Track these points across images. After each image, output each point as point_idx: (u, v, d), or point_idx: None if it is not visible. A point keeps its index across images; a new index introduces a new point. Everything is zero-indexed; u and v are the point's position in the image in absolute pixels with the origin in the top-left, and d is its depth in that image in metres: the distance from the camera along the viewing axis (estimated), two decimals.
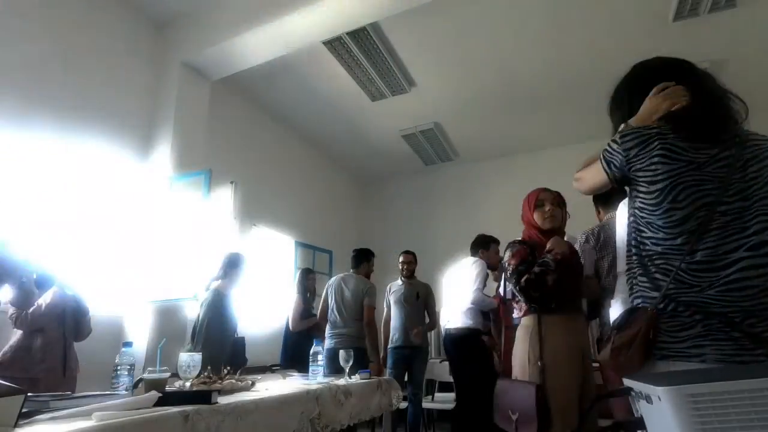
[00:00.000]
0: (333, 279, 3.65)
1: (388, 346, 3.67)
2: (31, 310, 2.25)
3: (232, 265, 3.01)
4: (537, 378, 1.66)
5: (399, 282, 3.81)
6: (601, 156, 1.16)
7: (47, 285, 2.36)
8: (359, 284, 3.47)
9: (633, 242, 1.10)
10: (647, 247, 1.05)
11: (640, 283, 1.06)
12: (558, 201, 1.90)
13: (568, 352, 1.69)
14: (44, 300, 2.31)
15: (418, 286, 3.80)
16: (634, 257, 1.09)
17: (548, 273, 1.68)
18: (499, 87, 4.61)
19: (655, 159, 1.03)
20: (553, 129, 5.47)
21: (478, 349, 3.30)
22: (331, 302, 3.48)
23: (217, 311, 2.83)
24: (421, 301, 3.73)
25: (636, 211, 1.09)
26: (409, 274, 3.81)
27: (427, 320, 3.80)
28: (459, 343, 3.34)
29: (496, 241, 3.61)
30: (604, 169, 1.14)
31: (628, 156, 1.08)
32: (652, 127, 1.07)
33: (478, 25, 3.77)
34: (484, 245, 3.57)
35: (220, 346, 2.77)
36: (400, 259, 3.86)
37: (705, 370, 0.90)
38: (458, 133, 5.60)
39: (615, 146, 1.12)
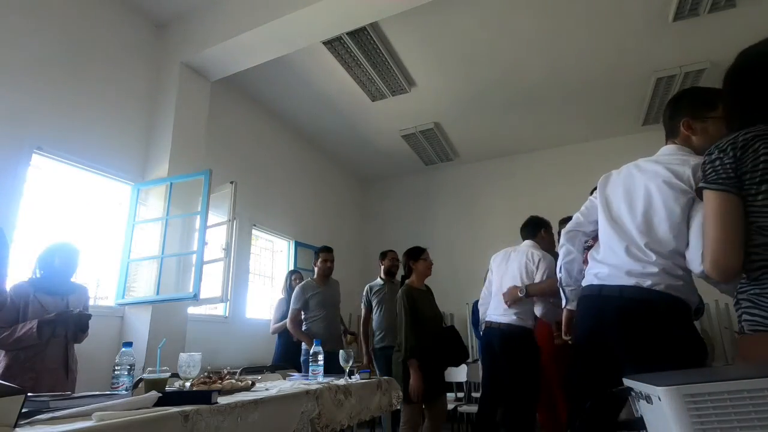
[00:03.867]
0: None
1: (374, 347, 3.55)
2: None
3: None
4: None
5: (379, 281, 3.69)
6: (708, 186, 1.06)
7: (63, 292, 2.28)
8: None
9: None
10: (760, 256, 1.00)
11: (755, 297, 0.99)
12: None
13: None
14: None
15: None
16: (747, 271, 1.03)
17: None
18: (499, 87, 4.61)
19: (762, 158, 0.98)
20: (553, 129, 5.48)
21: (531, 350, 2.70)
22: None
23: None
24: None
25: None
26: (388, 273, 3.70)
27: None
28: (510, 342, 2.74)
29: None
30: (722, 191, 1.03)
31: (735, 157, 1.02)
32: (749, 131, 1.03)
33: (478, 26, 3.76)
34: (540, 226, 2.85)
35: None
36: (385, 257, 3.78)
37: (705, 370, 0.89)
38: (458, 133, 5.60)
39: (719, 158, 1.05)
